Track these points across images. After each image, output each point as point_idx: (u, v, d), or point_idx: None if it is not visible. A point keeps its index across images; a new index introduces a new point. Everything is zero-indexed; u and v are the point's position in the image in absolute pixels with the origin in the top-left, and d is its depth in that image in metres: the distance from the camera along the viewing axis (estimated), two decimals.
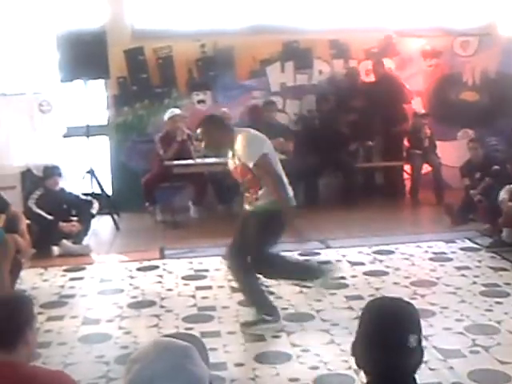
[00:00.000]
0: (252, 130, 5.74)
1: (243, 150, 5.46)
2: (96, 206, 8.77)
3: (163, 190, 9.70)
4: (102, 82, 10.30)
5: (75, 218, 8.51)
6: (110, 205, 9.64)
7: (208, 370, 2.00)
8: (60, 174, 8.65)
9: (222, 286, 6.81)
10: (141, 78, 10.51)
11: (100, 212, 9.16)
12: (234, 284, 6.63)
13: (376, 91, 10.49)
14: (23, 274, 6.92)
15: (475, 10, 10.97)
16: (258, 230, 5.53)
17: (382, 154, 10.83)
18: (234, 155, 5.58)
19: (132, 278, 7.28)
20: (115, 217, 9.54)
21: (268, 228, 5.50)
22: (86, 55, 9.01)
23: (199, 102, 10.62)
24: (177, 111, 9.90)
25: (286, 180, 5.61)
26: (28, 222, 7.01)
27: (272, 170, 5.46)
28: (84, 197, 8.91)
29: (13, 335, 2.85)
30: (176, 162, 9.37)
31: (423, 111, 10.58)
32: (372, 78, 10.82)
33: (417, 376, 2.36)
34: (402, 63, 10.92)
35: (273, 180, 5.46)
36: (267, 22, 10.54)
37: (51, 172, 8.60)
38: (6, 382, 2.73)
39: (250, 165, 5.42)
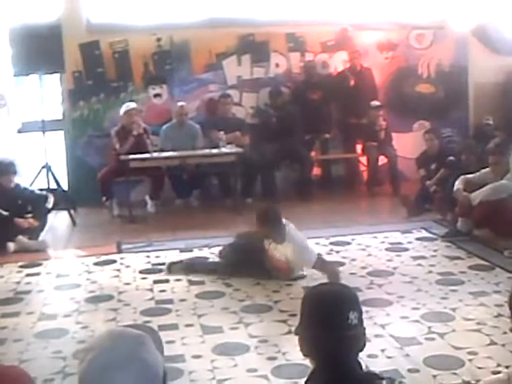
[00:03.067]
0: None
1: None
2: (51, 200, 8.64)
3: (120, 184, 9.62)
4: (57, 76, 10.20)
5: (30, 215, 8.38)
6: (66, 200, 9.53)
7: (162, 360, 2.00)
8: (15, 172, 8.44)
9: (179, 279, 6.78)
10: (97, 72, 10.40)
11: (56, 207, 9.06)
12: (192, 277, 6.66)
13: (338, 84, 10.61)
14: None
15: (430, 4, 11.07)
16: None
17: (340, 146, 10.93)
18: None
19: (89, 272, 7.21)
20: (72, 212, 9.43)
21: None
22: (40, 49, 8.83)
23: (155, 95, 10.55)
24: (133, 105, 9.84)
25: None
26: None
27: None
28: (39, 192, 8.79)
29: None
30: (132, 156, 9.30)
31: (378, 103, 10.61)
32: (328, 71, 10.91)
33: (362, 362, 2.39)
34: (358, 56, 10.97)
35: None
36: (223, 15, 10.50)
37: (6, 170, 8.36)
38: None
39: None
